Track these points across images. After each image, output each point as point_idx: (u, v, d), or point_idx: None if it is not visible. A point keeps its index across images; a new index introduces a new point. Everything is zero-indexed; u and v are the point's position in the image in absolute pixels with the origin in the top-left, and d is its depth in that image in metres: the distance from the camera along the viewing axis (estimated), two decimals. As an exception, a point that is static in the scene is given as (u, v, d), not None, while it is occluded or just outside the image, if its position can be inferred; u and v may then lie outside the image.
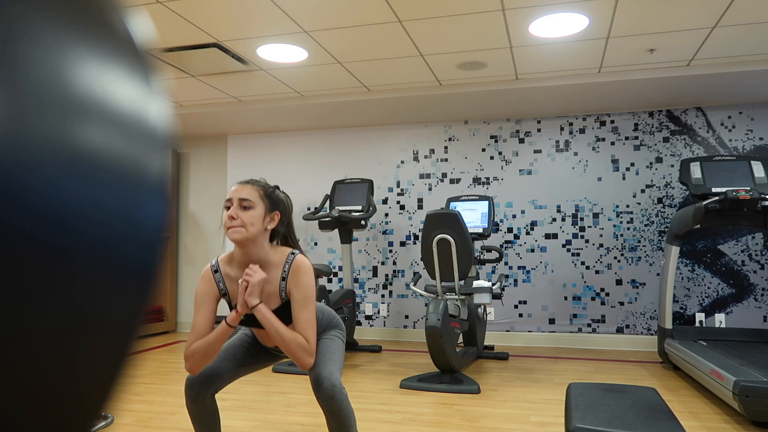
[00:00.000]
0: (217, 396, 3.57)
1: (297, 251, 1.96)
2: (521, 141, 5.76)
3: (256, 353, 2.15)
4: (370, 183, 5.41)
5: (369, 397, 3.53)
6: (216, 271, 1.95)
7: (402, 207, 6.03)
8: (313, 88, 5.06)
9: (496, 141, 5.82)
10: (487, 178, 5.82)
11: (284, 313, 1.90)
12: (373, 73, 4.66)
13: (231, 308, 1.94)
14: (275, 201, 1.92)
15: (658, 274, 5.33)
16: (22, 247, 0.34)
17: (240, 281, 1.84)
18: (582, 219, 5.56)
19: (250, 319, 1.91)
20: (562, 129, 5.67)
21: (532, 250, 5.66)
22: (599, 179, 5.55)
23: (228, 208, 1.86)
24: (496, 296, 4.21)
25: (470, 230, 4.78)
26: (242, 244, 1.86)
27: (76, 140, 0.37)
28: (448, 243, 3.99)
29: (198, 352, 1.84)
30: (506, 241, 5.73)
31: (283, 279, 1.88)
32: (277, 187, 1.99)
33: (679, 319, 5.22)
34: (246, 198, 1.84)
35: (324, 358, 1.98)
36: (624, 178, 5.49)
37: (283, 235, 2.01)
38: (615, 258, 5.46)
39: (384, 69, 4.57)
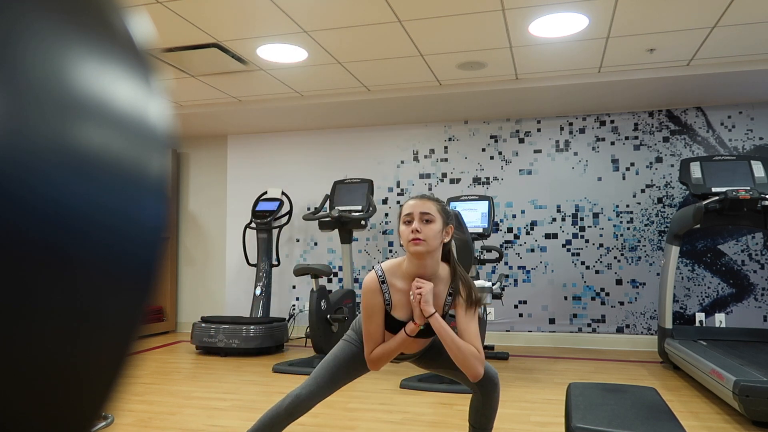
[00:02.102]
0: (216, 396, 3.57)
1: (459, 270, 2.04)
2: (521, 141, 5.76)
3: (357, 371, 2.16)
4: (370, 183, 5.41)
5: (369, 397, 3.53)
6: (383, 282, 2.00)
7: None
8: (313, 88, 5.06)
9: (496, 141, 5.82)
10: (487, 178, 5.82)
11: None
12: (373, 73, 4.66)
13: (388, 317, 1.98)
14: (449, 215, 2.00)
15: (658, 274, 5.33)
16: (22, 247, 0.34)
17: (411, 294, 1.92)
18: (582, 219, 5.56)
19: (422, 330, 1.97)
20: (562, 129, 5.67)
21: (532, 250, 5.66)
22: (599, 179, 5.55)
23: (408, 222, 1.92)
24: (496, 296, 4.20)
25: (470, 230, 4.78)
26: (422, 257, 1.92)
27: (76, 140, 0.37)
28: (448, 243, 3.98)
29: (383, 358, 1.98)
30: (506, 241, 5.73)
31: (450, 295, 1.97)
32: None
33: (679, 319, 5.21)
34: (427, 212, 1.91)
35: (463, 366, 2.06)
36: (624, 178, 5.49)
37: (445, 251, 2.07)
38: (615, 258, 5.46)
39: (384, 69, 4.57)
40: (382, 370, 4.34)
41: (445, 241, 1.98)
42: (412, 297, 1.92)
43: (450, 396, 3.56)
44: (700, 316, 5.19)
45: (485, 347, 5.16)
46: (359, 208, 5.23)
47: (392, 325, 1.98)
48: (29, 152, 0.34)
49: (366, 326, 1.98)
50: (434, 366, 2.22)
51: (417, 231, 1.88)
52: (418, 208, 1.91)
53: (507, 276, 5.70)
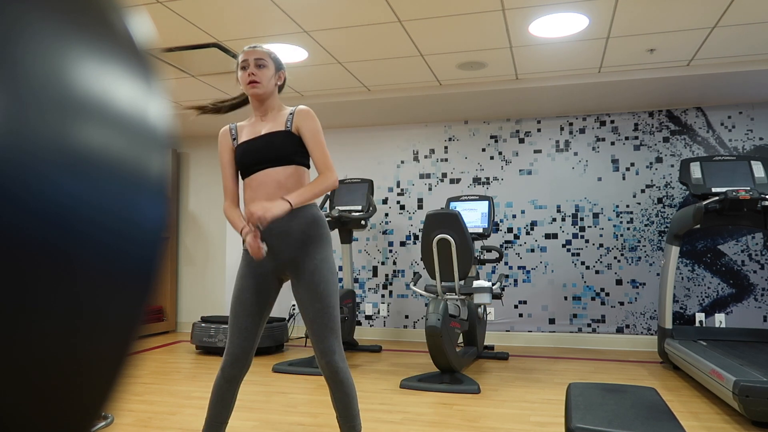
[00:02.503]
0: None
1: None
2: (521, 141, 5.76)
3: (255, 302, 2.10)
4: (370, 183, 5.41)
5: (369, 397, 3.53)
6: (232, 128, 2.25)
7: (402, 207, 6.03)
8: (313, 88, 5.06)
9: (496, 141, 5.82)
10: (487, 178, 5.82)
11: (285, 140, 2.11)
12: (373, 73, 4.66)
13: (236, 154, 2.16)
14: (279, 62, 2.21)
15: (658, 274, 5.33)
16: (21, 247, 0.34)
17: (251, 224, 1.94)
18: (582, 219, 5.56)
19: (251, 150, 2.12)
20: (562, 129, 5.67)
21: (532, 250, 5.66)
22: (599, 179, 5.55)
23: (244, 68, 2.13)
24: (496, 296, 4.21)
25: (470, 230, 4.78)
26: (261, 98, 2.15)
27: (76, 140, 0.37)
28: (448, 243, 3.99)
29: (227, 218, 2.17)
30: (506, 241, 5.73)
31: (291, 114, 2.16)
32: None
33: (679, 319, 5.22)
34: (260, 58, 2.13)
35: (327, 327, 2.04)
36: (624, 178, 5.49)
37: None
38: (615, 258, 5.46)
39: (384, 69, 4.57)
40: (383, 370, 4.35)
41: (279, 84, 2.21)
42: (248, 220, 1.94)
43: (450, 396, 3.56)
44: (700, 316, 5.20)
45: (485, 347, 5.16)
46: (359, 208, 5.23)
47: (242, 152, 2.13)
48: (29, 152, 0.34)
49: (222, 180, 2.22)
50: (301, 307, 2.11)
51: (253, 74, 2.10)
52: (252, 55, 2.13)
53: (507, 276, 5.70)
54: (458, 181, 5.89)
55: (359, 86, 5.02)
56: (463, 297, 4.13)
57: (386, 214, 6.05)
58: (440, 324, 3.63)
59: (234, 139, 2.21)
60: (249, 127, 2.20)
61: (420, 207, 5.98)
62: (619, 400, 2.04)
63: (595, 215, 5.54)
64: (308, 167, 2.17)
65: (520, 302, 5.65)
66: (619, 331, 5.40)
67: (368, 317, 6.02)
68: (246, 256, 2.14)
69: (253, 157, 2.10)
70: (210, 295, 6.56)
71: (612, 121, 5.56)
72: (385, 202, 6.06)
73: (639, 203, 5.45)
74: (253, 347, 2.09)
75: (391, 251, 6.01)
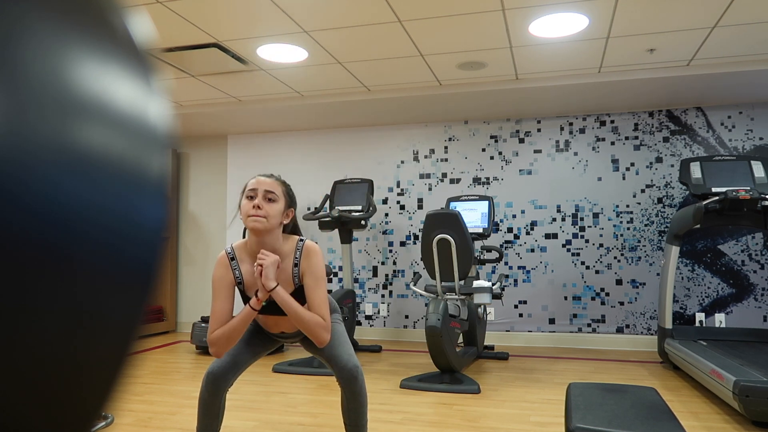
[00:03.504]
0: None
1: (304, 238, 2.08)
2: (521, 141, 5.76)
3: (262, 341, 2.22)
4: (370, 183, 5.41)
5: (369, 397, 3.52)
6: (233, 259, 2.03)
7: (402, 207, 6.03)
8: (313, 88, 5.06)
9: (496, 141, 5.82)
10: (487, 178, 5.82)
11: (298, 297, 1.98)
12: (373, 73, 4.66)
13: (243, 296, 2.03)
14: (292, 199, 2.05)
15: (658, 274, 5.33)
16: (21, 247, 0.34)
17: (255, 266, 1.92)
18: (582, 219, 5.56)
19: (268, 305, 2.00)
20: (562, 129, 5.67)
21: (532, 250, 5.66)
22: (599, 179, 5.55)
23: (251, 197, 1.92)
24: (496, 296, 4.20)
25: (470, 230, 4.78)
26: (260, 234, 1.95)
27: (76, 140, 0.37)
28: (448, 243, 3.99)
29: (222, 337, 1.92)
30: (506, 241, 5.73)
31: (296, 265, 1.99)
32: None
33: (679, 319, 5.22)
34: (272, 191, 1.94)
35: (338, 341, 2.12)
36: (624, 178, 5.49)
37: (292, 228, 2.14)
38: (615, 258, 5.46)
39: (384, 69, 4.57)
40: (383, 370, 4.34)
41: (285, 222, 2.02)
42: (255, 268, 1.93)
43: (450, 396, 3.56)
44: (700, 316, 5.19)
45: (485, 347, 5.16)
46: (359, 208, 5.23)
47: (258, 310, 2.03)
48: (29, 152, 0.34)
49: (213, 304, 1.99)
50: (312, 350, 2.22)
51: (258, 207, 1.91)
52: (263, 186, 1.94)
53: (507, 276, 5.70)
54: (458, 181, 5.89)
55: (359, 86, 5.02)
56: (463, 297, 4.13)
57: (386, 214, 6.05)
58: (440, 324, 3.63)
59: (240, 282, 2.02)
60: (251, 269, 2.01)
61: (420, 207, 5.98)
62: (619, 400, 2.03)
63: (595, 215, 5.54)
64: None
65: (520, 302, 5.65)
66: (619, 331, 5.40)
67: (368, 317, 6.02)
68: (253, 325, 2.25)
69: (272, 320, 2.09)
70: (210, 295, 6.56)
71: (612, 121, 5.56)
72: (385, 202, 6.06)
73: (639, 203, 5.45)
74: (236, 375, 2.11)
75: (391, 251, 6.01)
